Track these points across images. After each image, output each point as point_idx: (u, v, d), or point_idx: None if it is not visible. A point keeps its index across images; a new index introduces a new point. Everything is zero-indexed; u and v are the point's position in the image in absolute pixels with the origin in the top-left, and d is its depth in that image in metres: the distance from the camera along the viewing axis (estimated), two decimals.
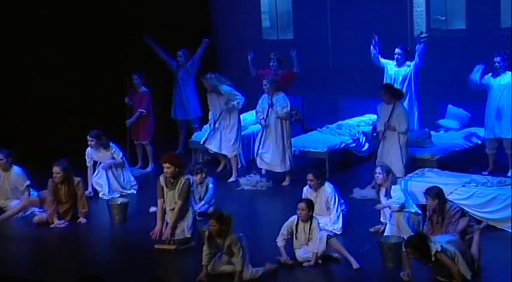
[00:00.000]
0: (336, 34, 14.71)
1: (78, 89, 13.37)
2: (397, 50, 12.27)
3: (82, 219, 10.44)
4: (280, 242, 8.70)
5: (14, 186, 10.92)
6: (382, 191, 9.34)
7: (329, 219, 9.48)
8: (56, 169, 10.33)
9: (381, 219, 9.46)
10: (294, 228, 8.65)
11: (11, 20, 12.75)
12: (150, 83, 12.84)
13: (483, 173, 11.08)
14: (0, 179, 10.97)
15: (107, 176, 11.44)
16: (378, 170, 9.34)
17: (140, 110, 12.63)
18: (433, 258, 7.74)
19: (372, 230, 9.50)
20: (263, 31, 15.64)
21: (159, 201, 9.36)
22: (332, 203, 9.52)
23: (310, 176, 9.58)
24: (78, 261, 9.16)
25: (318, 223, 8.73)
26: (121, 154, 11.59)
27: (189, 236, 9.27)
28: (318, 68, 14.74)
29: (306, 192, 9.67)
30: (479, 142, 12.12)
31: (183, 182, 9.19)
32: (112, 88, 12.88)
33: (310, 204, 8.70)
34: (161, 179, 9.32)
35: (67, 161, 10.49)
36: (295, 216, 8.71)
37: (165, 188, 9.27)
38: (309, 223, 8.62)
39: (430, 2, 13.91)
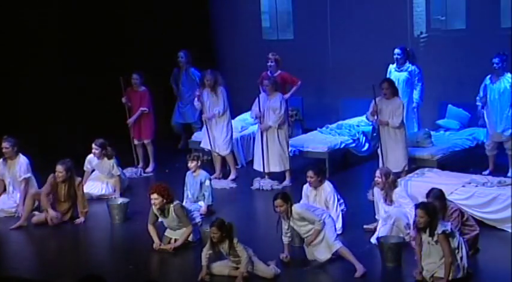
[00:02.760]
0: (336, 34, 14.71)
1: (76, 91, 13.36)
2: (396, 51, 12.26)
3: (80, 219, 10.44)
4: (284, 239, 8.71)
5: (15, 177, 10.79)
6: (382, 194, 9.23)
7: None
8: (59, 168, 10.32)
9: (376, 217, 9.46)
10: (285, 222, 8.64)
11: (11, 21, 12.74)
12: (149, 82, 12.85)
13: (483, 173, 11.08)
14: (5, 168, 10.85)
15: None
16: (377, 173, 9.26)
17: (142, 108, 12.64)
18: (435, 238, 7.72)
19: (365, 227, 9.51)
20: (263, 31, 15.63)
21: (150, 226, 9.32)
22: (331, 202, 9.52)
23: (310, 173, 9.59)
24: (78, 261, 9.16)
25: (306, 209, 8.70)
26: (118, 172, 11.43)
27: (192, 240, 9.31)
28: (318, 68, 14.75)
29: (306, 190, 9.69)
30: (480, 142, 12.13)
31: (174, 209, 9.19)
32: (111, 88, 12.86)
33: (286, 199, 8.56)
34: (154, 208, 9.28)
35: (71, 161, 10.50)
36: None
37: (159, 216, 9.29)
38: (291, 217, 8.56)
39: (430, 2, 13.90)
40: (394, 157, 10.88)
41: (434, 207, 8.00)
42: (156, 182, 9.82)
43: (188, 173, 10.52)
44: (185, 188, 10.48)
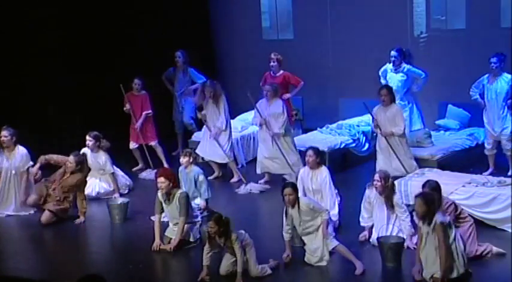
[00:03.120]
0: (336, 34, 14.71)
1: (76, 91, 13.35)
2: (392, 53, 12.27)
3: (80, 219, 10.44)
4: (285, 236, 8.70)
5: (16, 167, 10.81)
6: (383, 198, 9.06)
7: (324, 205, 9.41)
8: (70, 158, 10.51)
9: (362, 224, 9.29)
10: (290, 215, 8.61)
11: (12, 23, 12.72)
12: (149, 82, 12.88)
13: (484, 173, 11.07)
14: (4, 159, 10.82)
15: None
16: (376, 176, 9.10)
17: (146, 112, 12.70)
18: (432, 226, 7.67)
19: (361, 238, 9.30)
20: (263, 31, 15.64)
21: (157, 217, 9.43)
22: (327, 188, 9.51)
23: (310, 152, 9.66)
24: (78, 261, 9.16)
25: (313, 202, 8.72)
26: (112, 170, 11.45)
27: (192, 240, 9.33)
28: (318, 68, 14.75)
29: (302, 173, 9.67)
30: (480, 142, 12.13)
31: (179, 196, 9.27)
32: (111, 88, 12.87)
33: (295, 188, 8.62)
34: (159, 194, 9.37)
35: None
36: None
37: (163, 203, 9.36)
38: (296, 207, 8.55)
39: (430, 2, 13.90)
40: (406, 160, 10.83)
41: (432, 196, 7.94)
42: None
43: (181, 168, 10.40)
44: (181, 185, 10.46)
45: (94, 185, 11.46)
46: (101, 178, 11.53)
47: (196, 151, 12.13)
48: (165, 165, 12.81)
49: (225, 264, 8.38)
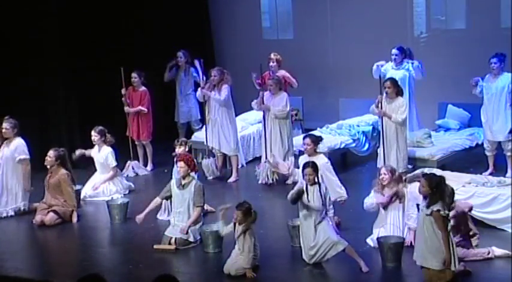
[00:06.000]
0: (336, 34, 14.73)
1: (77, 88, 13.34)
2: (393, 51, 12.26)
3: (74, 218, 10.44)
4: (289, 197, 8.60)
5: (10, 157, 10.75)
6: (386, 191, 9.00)
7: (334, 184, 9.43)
8: (50, 153, 10.46)
9: (366, 201, 9.14)
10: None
11: (11, 16, 12.70)
12: (149, 82, 12.87)
13: (483, 173, 11.07)
14: (3, 150, 10.75)
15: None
16: (383, 170, 9.09)
17: (141, 108, 12.67)
18: (429, 211, 7.50)
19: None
20: (263, 31, 15.66)
21: (158, 200, 9.58)
22: (328, 172, 9.44)
23: (307, 140, 9.66)
24: (78, 261, 9.16)
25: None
26: (115, 163, 11.47)
27: (192, 240, 9.32)
28: (318, 68, 14.76)
29: (301, 162, 9.50)
30: (479, 142, 12.13)
31: (196, 185, 9.38)
32: (112, 87, 12.87)
33: (315, 168, 8.48)
34: (173, 181, 9.51)
35: (65, 151, 10.62)
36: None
37: (176, 189, 9.42)
38: (317, 187, 8.44)
39: (430, 2, 13.93)
40: (394, 157, 10.84)
41: (438, 181, 7.67)
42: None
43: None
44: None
45: (103, 190, 11.43)
46: (110, 182, 11.50)
47: (206, 143, 12.21)
48: (149, 164, 12.86)
49: (229, 264, 8.38)
